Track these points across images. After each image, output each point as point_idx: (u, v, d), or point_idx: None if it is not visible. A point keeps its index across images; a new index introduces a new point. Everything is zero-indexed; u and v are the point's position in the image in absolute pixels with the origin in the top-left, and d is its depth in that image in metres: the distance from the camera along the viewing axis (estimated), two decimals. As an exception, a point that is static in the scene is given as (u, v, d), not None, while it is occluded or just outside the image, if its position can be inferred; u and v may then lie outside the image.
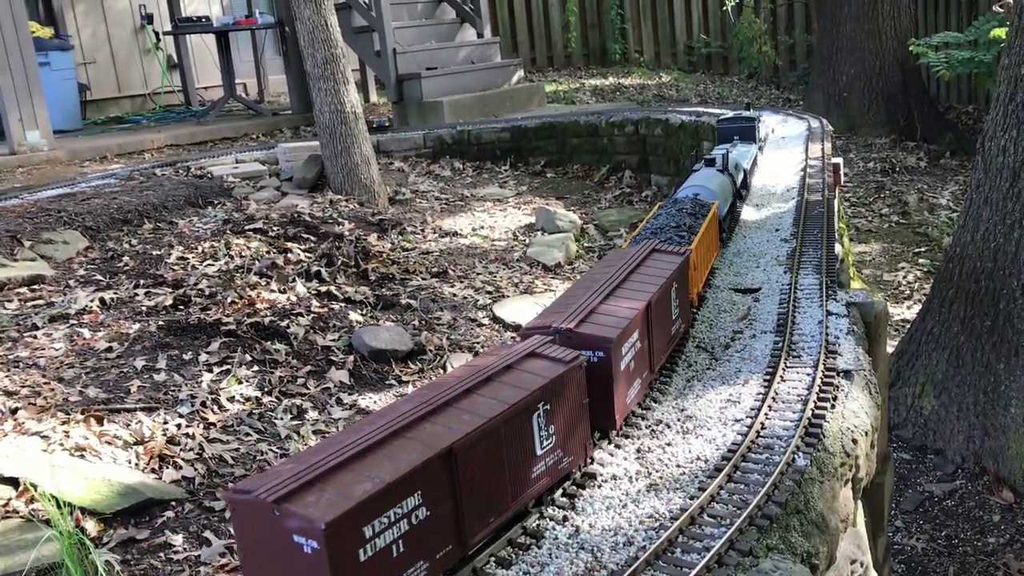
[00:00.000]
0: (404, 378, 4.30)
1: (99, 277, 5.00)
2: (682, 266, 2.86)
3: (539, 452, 2.01)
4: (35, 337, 4.22)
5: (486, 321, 4.99)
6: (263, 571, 1.61)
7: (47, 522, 2.81)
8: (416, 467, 1.68)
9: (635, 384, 2.46)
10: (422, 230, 6.26)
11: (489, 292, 5.37)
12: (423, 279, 5.37)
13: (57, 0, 11.12)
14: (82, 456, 3.26)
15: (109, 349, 4.12)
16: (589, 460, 2.26)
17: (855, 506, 2.64)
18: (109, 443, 3.39)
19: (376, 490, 1.60)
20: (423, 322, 4.81)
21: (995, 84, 5.42)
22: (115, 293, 4.72)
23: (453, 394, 1.90)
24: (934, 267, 7.43)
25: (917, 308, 6.53)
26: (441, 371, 4.40)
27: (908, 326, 6.20)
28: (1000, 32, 7.78)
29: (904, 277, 7.64)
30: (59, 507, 2.81)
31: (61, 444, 3.30)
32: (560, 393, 2.05)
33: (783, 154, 6.02)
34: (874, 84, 11.29)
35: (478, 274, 5.61)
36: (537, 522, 2.05)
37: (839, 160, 5.44)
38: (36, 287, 4.84)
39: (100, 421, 3.49)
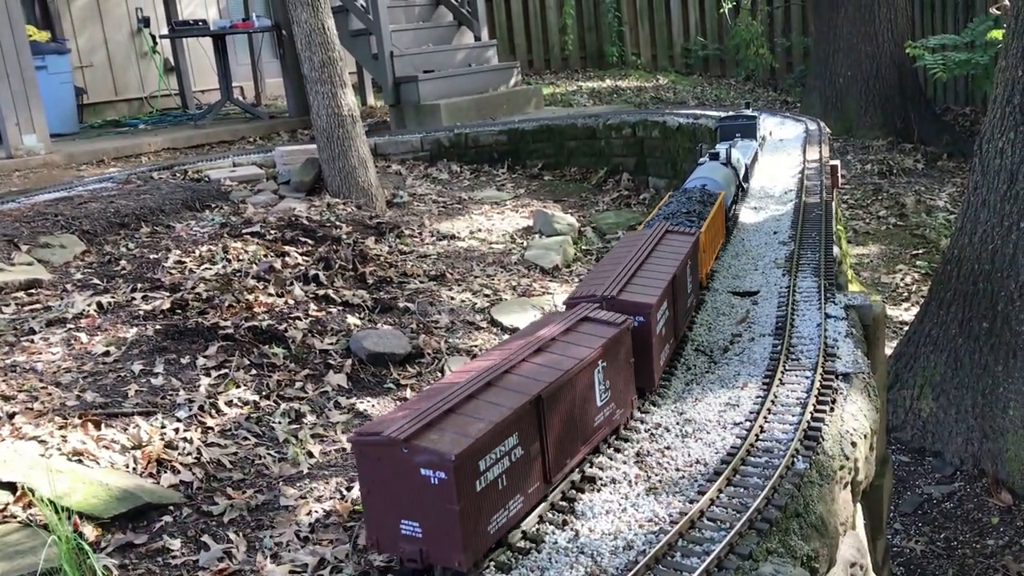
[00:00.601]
0: (402, 382, 4.29)
1: (96, 281, 4.99)
2: (694, 246, 3.11)
3: (599, 404, 2.28)
4: (32, 342, 4.21)
5: (484, 324, 4.98)
6: (386, 506, 1.82)
7: (45, 527, 2.80)
8: (515, 410, 1.92)
9: (665, 348, 2.71)
10: (420, 233, 6.26)
11: (487, 295, 5.36)
12: (421, 282, 5.37)
13: (54, 4, 11.11)
14: (80, 461, 3.25)
15: (106, 353, 4.11)
16: (634, 413, 2.54)
17: (854, 509, 2.64)
18: (107, 448, 3.38)
19: (488, 429, 1.83)
20: (421, 325, 4.80)
21: (992, 86, 5.43)
22: (112, 297, 4.71)
23: (528, 352, 2.15)
24: (932, 269, 7.43)
25: (915, 310, 6.54)
26: (439, 374, 4.40)
27: (906, 328, 6.20)
28: (997, 34, 7.79)
29: (902, 279, 7.64)
30: (57, 512, 2.80)
31: (59, 449, 3.29)
32: (614, 352, 2.32)
33: (781, 156, 6.03)
34: (871, 86, 11.30)
35: (476, 277, 5.60)
36: (536, 526, 2.05)
37: (836, 162, 5.44)
38: (33, 291, 4.82)
39: (98, 426, 3.48)
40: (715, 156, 4.31)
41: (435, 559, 1.80)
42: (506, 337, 2.37)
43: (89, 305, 4.59)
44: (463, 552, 1.77)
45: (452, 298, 5.22)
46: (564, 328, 2.29)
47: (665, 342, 2.69)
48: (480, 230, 6.58)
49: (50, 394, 3.69)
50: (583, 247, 6.54)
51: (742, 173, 4.53)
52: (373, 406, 4.04)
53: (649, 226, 3.35)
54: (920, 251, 8.14)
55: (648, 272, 2.72)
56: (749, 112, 5.60)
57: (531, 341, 2.19)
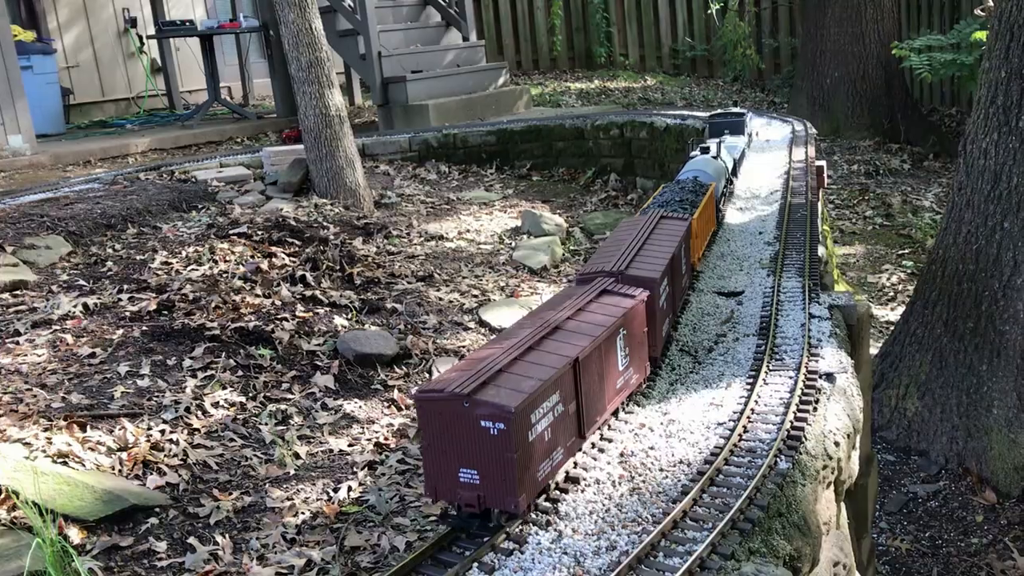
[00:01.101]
0: (390, 382, 4.29)
1: (82, 282, 4.98)
2: (688, 231, 3.33)
3: (620, 368, 2.49)
4: (17, 343, 4.20)
5: (472, 325, 4.99)
6: (446, 457, 2.00)
7: (29, 530, 2.80)
8: (557, 370, 2.11)
9: (666, 321, 2.95)
10: (408, 234, 6.26)
11: (475, 296, 5.37)
12: (409, 283, 5.37)
13: (40, 3, 11.06)
14: (65, 463, 3.24)
15: (92, 355, 4.10)
16: (647, 377, 2.77)
17: (838, 508, 2.66)
18: (92, 449, 3.38)
19: (537, 387, 2.03)
20: (409, 326, 4.80)
21: (976, 87, 5.47)
22: (98, 298, 4.70)
23: (559, 320, 2.35)
24: (918, 269, 7.47)
25: (901, 310, 6.57)
26: (427, 375, 4.40)
27: (892, 328, 6.24)
28: (981, 35, 7.84)
29: (888, 279, 7.68)
30: (42, 514, 2.79)
31: (44, 451, 3.28)
32: (631, 321, 2.53)
33: (767, 157, 6.05)
34: (858, 87, 11.35)
35: (464, 278, 5.61)
36: (520, 527, 2.06)
37: (823, 163, 5.47)
38: (18, 293, 4.81)
39: (83, 427, 3.47)
40: (706, 150, 4.51)
41: (492, 503, 1.99)
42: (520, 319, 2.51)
43: (75, 306, 4.58)
44: (518, 496, 1.97)
45: (440, 299, 5.23)
46: (588, 299, 2.51)
47: (666, 315, 2.94)
48: (468, 231, 6.58)
49: (35, 396, 3.68)
50: (571, 248, 6.56)
51: (731, 167, 4.73)
52: (360, 407, 4.04)
53: (645, 213, 3.55)
54: (906, 251, 8.18)
55: (649, 252, 2.93)
56: (737, 109, 5.85)
57: (561, 311, 2.41)
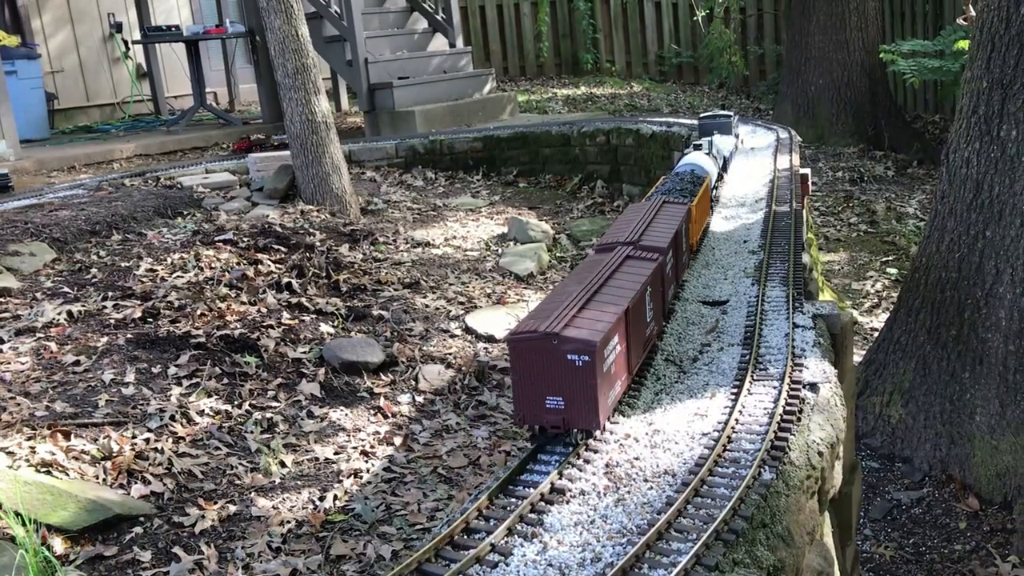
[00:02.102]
0: (376, 390, 4.29)
1: (67, 289, 4.95)
2: (687, 214, 3.69)
3: (648, 320, 2.88)
4: (0, 351, 4.18)
5: (458, 332, 5.00)
6: (534, 388, 2.34)
7: (12, 540, 2.78)
8: (617, 315, 2.48)
9: (671, 287, 3.39)
10: (394, 240, 6.26)
11: (461, 303, 5.37)
12: (395, 290, 5.37)
13: (24, 8, 11.01)
14: (49, 472, 3.23)
15: (77, 363, 4.08)
16: (663, 328, 3.26)
17: (821, 518, 2.67)
18: (76, 458, 3.36)
19: (608, 327, 2.39)
20: (395, 333, 4.81)
21: (959, 96, 5.51)
22: (83, 306, 4.68)
23: (603, 279, 2.73)
24: (902, 276, 7.52)
25: (885, 316, 6.61)
26: (414, 382, 4.40)
27: (876, 334, 6.27)
28: (964, 44, 7.90)
29: (872, 286, 7.72)
30: (25, 524, 2.78)
31: (27, 460, 3.27)
32: (653, 280, 2.92)
33: (753, 164, 6.08)
34: (842, 94, 11.42)
35: (450, 284, 5.62)
36: (505, 539, 2.06)
37: (807, 171, 5.50)
38: (2, 300, 4.78)
39: (67, 436, 3.46)
40: (699, 147, 4.92)
41: (574, 424, 2.35)
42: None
43: (59, 314, 4.56)
44: (597, 417, 2.34)
45: (426, 305, 5.23)
46: (618, 263, 2.91)
47: (671, 283, 3.35)
48: (455, 237, 6.59)
49: (19, 404, 3.66)
50: (557, 254, 6.57)
51: (722, 163, 5.19)
52: (346, 415, 4.04)
53: (650, 199, 3.92)
54: (890, 258, 8.23)
55: (656, 228, 3.33)
56: (725, 112, 6.31)
57: (602, 271, 2.80)
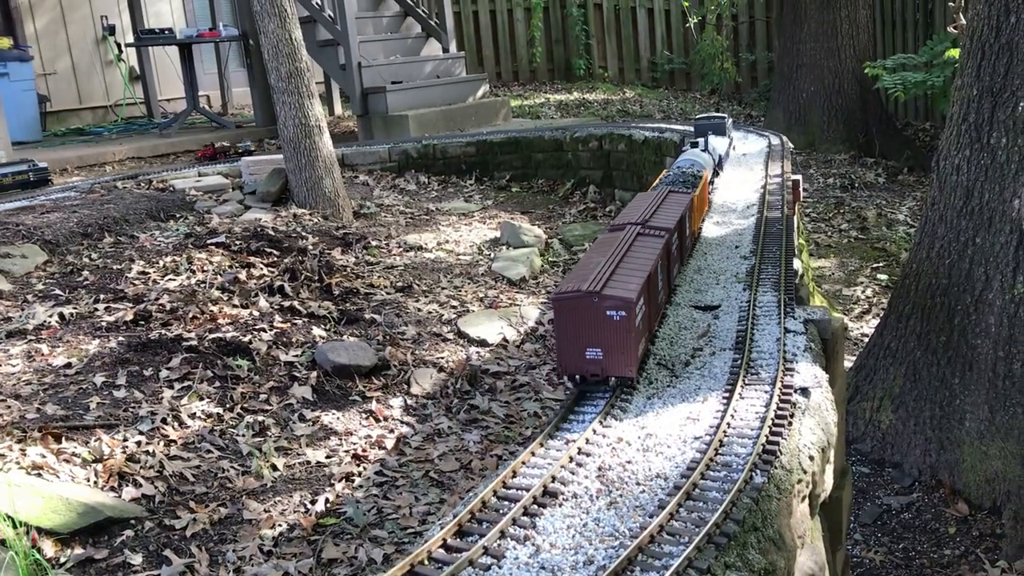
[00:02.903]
0: (368, 394, 4.29)
1: (58, 292, 4.94)
2: (690, 202, 4.01)
3: (659, 289, 3.24)
4: (-8, 353, 4.16)
5: (451, 336, 5.00)
6: (575, 341, 2.65)
7: (2, 543, 2.77)
8: (643, 279, 2.81)
9: (676, 265, 3.71)
10: (387, 244, 6.26)
11: (454, 307, 5.38)
12: (387, 294, 5.37)
13: (16, 10, 10.99)
14: (39, 475, 3.22)
15: (68, 365, 4.07)
16: (669, 299, 3.65)
17: (812, 522, 2.69)
18: (67, 461, 3.35)
19: (638, 288, 2.73)
20: (387, 337, 4.80)
21: (949, 104, 5.55)
22: (74, 308, 4.67)
23: (623, 252, 3.03)
24: (892, 282, 7.55)
25: (875, 322, 6.64)
26: (406, 386, 4.40)
27: (867, 340, 6.30)
28: (954, 53, 7.95)
29: (863, 292, 7.76)
30: (15, 527, 2.78)
31: (17, 463, 3.26)
32: (663, 256, 3.24)
33: (744, 171, 6.10)
34: (833, 101, 11.48)
35: (443, 289, 5.62)
36: (498, 542, 2.07)
37: (799, 177, 5.52)
38: (-7, 302, 4.77)
39: (58, 439, 3.45)
40: (696, 145, 5.26)
41: (611, 372, 2.68)
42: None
43: (50, 316, 4.55)
44: (632, 365, 2.68)
45: (419, 309, 5.23)
46: (633, 238, 3.20)
47: (676, 261, 3.65)
48: (447, 241, 6.59)
49: (9, 407, 3.65)
50: (550, 259, 6.58)
51: (717, 160, 5.53)
52: (338, 418, 4.03)
53: (655, 189, 4.27)
54: (881, 264, 8.27)
55: (663, 211, 3.65)
56: (719, 114, 6.61)
57: (619, 245, 3.08)
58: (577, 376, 2.72)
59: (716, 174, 5.53)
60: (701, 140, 5.34)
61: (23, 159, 7.81)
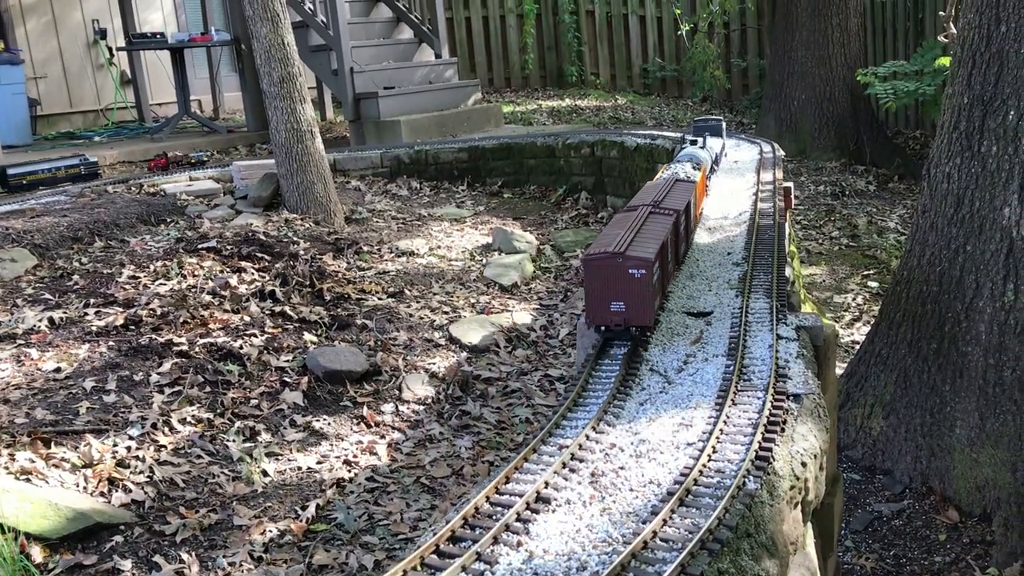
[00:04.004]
0: (359, 399, 4.28)
1: (48, 296, 4.92)
2: (695, 189, 4.42)
3: (669, 260, 3.57)
4: (-19, 358, 4.14)
5: (443, 341, 4.99)
6: (601, 297, 3.02)
7: (-9, 548, 2.76)
8: (658, 246, 3.19)
9: (683, 244, 4.10)
10: (379, 250, 6.26)
11: (446, 312, 5.37)
12: (379, 299, 5.36)
13: (7, 14, 10.95)
14: (28, 480, 3.20)
15: (57, 370, 4.06)
16: (680, 264, 4.08)
17: (804, 528, 2.68)
18: (56, 466, 3.34)
19: (655, 251, 3.11)
20: (379, 342, 4.80)
21: (940, 112, 5.57)
22: (64, 313, 4.65)
23: (638, 226, 3.36)
24: (883, 289, 7.58)
25: (866, 329, 6.65)
26: (397, 391, 4.39)
27: (858, 347, 6.31)
28: (945, 61, 7.99)
29: (854, 299, 7.77)
30: (3, 532, 2.76)
31: (6, 468, 3.24)
32: (673, 231, 3.62)
33: (736, 178, 6.11)
34: (824, 109, 11.52)
35: (435, 294, 5.61)
36: (491, 548, 2.06)
37: (790, 184, 5.53)
38: (-18, 306, 4.74)
39: (47, 444, 3.43)
40: (694, 142, 5.65)
41: (632, 322, 3.05)
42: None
43: (40, 321, 4.53)
44: (649, 317, 3.07)
45: (410, 315, 5.22)
46: (646, 215, 3.55)
47: (682, 241, 4.05)
48: (439, 247, 6.59)
49: (-2, 412, 3.63)
50: (542, 265, 6.58)
51: (714, 157, 5.93)
52: (329, 424, 4.02)
53: (661, 178, 4.65)
54: (871, 271, 8.29)
55: (671, 196, 4.01)
56: (716, 116, 7.11)
57: (635, 221, 3.42)
58: (602, 327, 3.08)
59: (713, 170, 5.93)
60: (700, 139, 5.74)
61: (75, 154, 8.33)
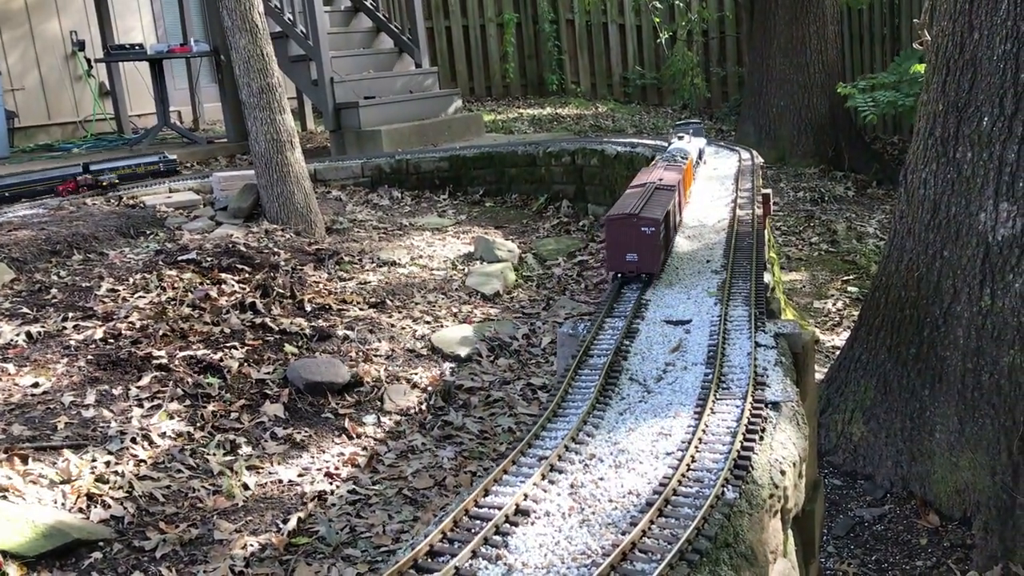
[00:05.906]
0: (341, 411, 4.27)
1: (26, 310, 4.88)
2: (685, 170, 4.98)
3: (671, 223, 4.15)
4: (-43, 373, 4.10)
5: (425, 352, 4.99)
6: (619, 250, 3.65)
7: (-33, 567, 2.73)
8: (664, 212, 3.79)
9: (678, 215, 4.56)
10: (360, 260, 6.24)
11: (428, 322, 5.37)
12: (361, 309, 5.35)
13: (-16, 25, 10.88)
14: (4, 497, 3.17)
15: (35, 385, 4.03)
16: (675, 233, 4.53)
17: (784, 536, 2.70)
18: (34, 483, 3.31)
19: (663, 214, 3.74)
20: (360, 354, 4.79)
21: (916, 119, 5.61)
22: (42, 327, 4.61)
23: (647, 196, 3.94)
24: (862, 295, 7.62)
25: (846, 335, 6.69)
26: (379, 403, 4.38)
27: (838, 353, 6.35)
28: (920, 68, 8.07)
29: (834, 304, 7.82)
30: (-20, 551, 2.73)
31: (-17, 485, 3.21)
32: (673, 202, 4.15)
33: (715, 185, 6.14)
34: (803, 116, 11.60)
35: (416, 304, 5.61)
36: (470, 562, 2.06)
37: (769, 191, 5.56)
38: (-41, 321, 4.70)
39: (24, 460, 3.41)
40: (681, 138, 6.16)
41: (643, 270, 3.71)
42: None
43: (18, 335, 4.49)
44: (657, 265, 3.73)
45: (392, 325, 5.22)
46: (653, 190, 4.09)
47: (677, 213, 4.49)
48: (421, 256, 6.58)
49: (-25, 428, 3.60)
50: (524, 273, 6.59)
51: (698, 152, 6.41)
52: (310, 436, 4.01)
53: (656, 165, 5.18)
54: (851, 277, 8.34)
55: (668, 176, 4.52)
56: (696, 120, 7.79)
57: (644, 192, 4.01)
58: (619, 274, 3.72)
59: (697, 164, 6.52)
60: (684, 135, 6.30)
61: (155, 151, 8.78)
